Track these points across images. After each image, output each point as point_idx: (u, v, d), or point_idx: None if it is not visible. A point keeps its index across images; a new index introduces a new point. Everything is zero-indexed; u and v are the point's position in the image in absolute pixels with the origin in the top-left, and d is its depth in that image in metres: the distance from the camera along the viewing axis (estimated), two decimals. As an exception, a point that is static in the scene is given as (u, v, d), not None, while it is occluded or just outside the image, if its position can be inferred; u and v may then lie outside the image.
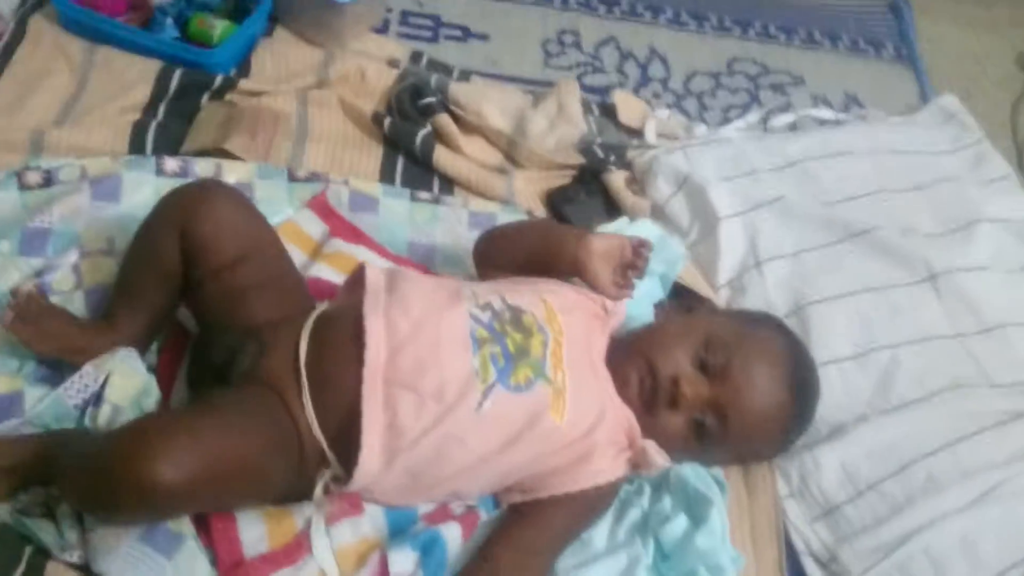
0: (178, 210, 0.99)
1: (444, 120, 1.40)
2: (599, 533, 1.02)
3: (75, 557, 0.89)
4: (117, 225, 1.15)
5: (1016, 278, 1.37)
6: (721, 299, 1.28)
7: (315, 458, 0.94)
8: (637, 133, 1.55)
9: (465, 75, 1.58)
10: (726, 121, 1.63)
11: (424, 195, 1.33)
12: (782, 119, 1.61)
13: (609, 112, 1.58)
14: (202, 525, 0.92)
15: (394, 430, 0.92)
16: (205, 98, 1.37)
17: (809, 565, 1.09)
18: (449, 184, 1.37)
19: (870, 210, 1.37)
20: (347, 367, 0.93)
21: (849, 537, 1.08)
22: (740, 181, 1.38)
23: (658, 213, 1.37)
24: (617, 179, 1.40)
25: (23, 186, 1.16)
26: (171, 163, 1.23)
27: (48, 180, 1.18)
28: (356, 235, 1.24)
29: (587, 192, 1.39)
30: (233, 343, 0.97)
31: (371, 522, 0.97)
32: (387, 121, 1.39)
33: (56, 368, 1.02)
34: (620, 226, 1.26)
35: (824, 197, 1.38)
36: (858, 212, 1.36)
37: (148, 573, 0.85)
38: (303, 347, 0.95)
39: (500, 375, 0.94)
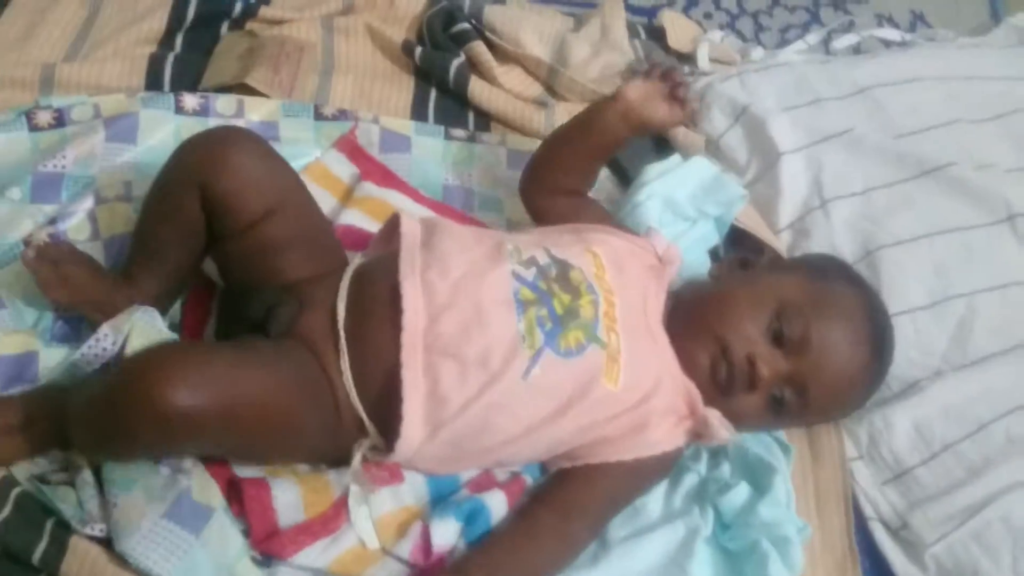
0: (197, 165, 0.92)
1: (479, 48, 1.33)
2: (654, 499, 0.96)
3: (97, 530, 0.84)
4: (134, 169, 1.10)
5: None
6: (782, 243, 1.19)
7: (353, 425, 0.89)
8: (688, 58, 1.46)
9: (500, -3, 1.49)
10: (784, 43, 1.54)
11: (459, 132, 1.27)
12: (845, 40, 1.50)
13: (657, 35, 1.50)
14: (234, 494, 0.88)
15: (436, 400, 0.87)
16: (224, 27, 1.32)
17: (878, 531, 1.03)
18: (485, 119, 1.31)
19: (944, 143, 1.26)
20: (385, 332, 0.87)
21: (922, 502, 1.01)
22: (803, 111, 1.28)
23: (712, 148, 1.28)
24: (668, 111, 1.31)
25: (34, 127, 1.11)
26: (190, 100, 1.17)
27: (60, 120, 1.13)
28: (388, 178, 1.17)
29: (635, 126, 1.30)
30: (270, 299, 0.92)
31: (412, 490, 0.92)
32: (418, 51, 1.32)
33: (75, 327, 0.97)
34: (671, 165, 1.17)
35: (894, 129, 1.27)
36: (931, 145, 1.26)
37: (175, 552, 0.80)
38: (341, 309, 0.90)
39: (548, 339, 0.88)
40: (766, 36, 1.58)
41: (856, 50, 1.51)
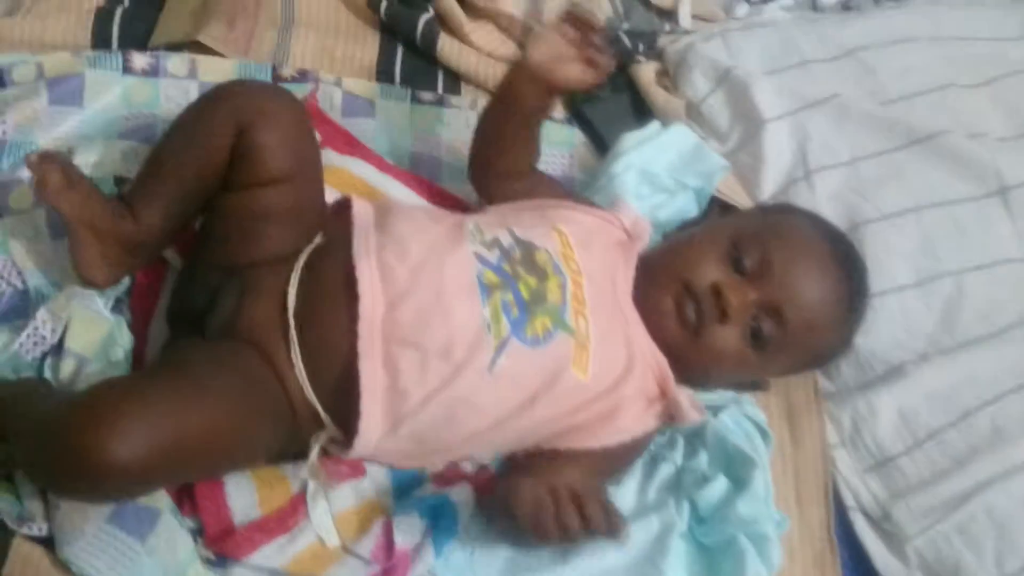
0: (243, 108, 0.87)
1: (448, 3, 1.26)
2: (627, 490, 0.93)
3: (35, 530, 0.79)
4: (78, 132, 1.04)
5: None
6: (765, 215, 1.14)
7: (309, 419, 0.85)
8: (669, 15, 1.39)
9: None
10: (770, -2, 1.45)
11: (427, 95, 1.20)
12: (834, -5, 1.43)
13: (637, -11, 1.42)
14: (186, 491, 0.84)
15: (396, 393, 0.82)
16: (176, -22, 1.23)
17: (859, 521, 1.00)
18: (455, 79, 1.24)
19: (935, 110, 1.21)
20: (339, 321, 0.83)
21: (904, 493, 0.99)
22: (788, 74, 1.22)
23: (693, 113, 1.22)
24: (647, 72, 1.25)
25: (-30, 88, 1.05)
26: (140, 59, 1.10)
27: (0, 81, 1.06)
28: (351, 144, 1.10)
29: (612, 87, 1.24)
30: (215, 283, 0.87)
31: (373, 483, 0.88)
32: (383, 5, 1.24)
33: (21, 310, 0.90)
34: (650, 134, 1.12)
35: (884, 95, 1.22)
36: (922, 112, 1.20)
37: (120, 560, 0.76)
38: (291, 295, 0.84)
39: (514, 327, 0.84)
40: (751, -10, 1.49)
41: (845, 6, 1.44)
